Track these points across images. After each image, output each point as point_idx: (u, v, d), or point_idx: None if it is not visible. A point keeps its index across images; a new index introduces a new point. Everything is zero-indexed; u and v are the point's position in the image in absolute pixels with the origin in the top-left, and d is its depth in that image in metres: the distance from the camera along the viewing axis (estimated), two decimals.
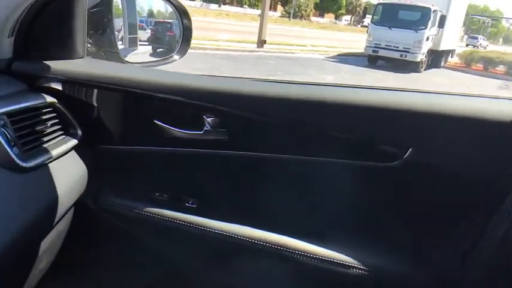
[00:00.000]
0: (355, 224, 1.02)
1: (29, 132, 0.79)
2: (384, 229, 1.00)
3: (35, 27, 0.89)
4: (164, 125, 1.01)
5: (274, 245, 1.01)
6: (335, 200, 1.00)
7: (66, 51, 0.98)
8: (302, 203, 1.03)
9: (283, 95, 0.94)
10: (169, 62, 1.27)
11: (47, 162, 0.83)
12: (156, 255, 1.11)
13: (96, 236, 1.15)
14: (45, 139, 0.85)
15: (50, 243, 0.95)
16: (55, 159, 0.85)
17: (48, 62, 0.93)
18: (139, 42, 1.72)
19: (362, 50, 14.26)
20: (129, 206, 1.07)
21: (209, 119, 0.99)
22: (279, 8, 45.94)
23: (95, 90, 1.00)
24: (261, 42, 13.36)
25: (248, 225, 1.03)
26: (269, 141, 1.01)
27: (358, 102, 0.93)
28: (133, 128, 1.07)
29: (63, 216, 0.93)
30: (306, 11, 43.88)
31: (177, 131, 1.01)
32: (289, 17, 38.58)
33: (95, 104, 1.01)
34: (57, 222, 0.91)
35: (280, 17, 40.01)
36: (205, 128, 0.99)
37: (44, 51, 0.95)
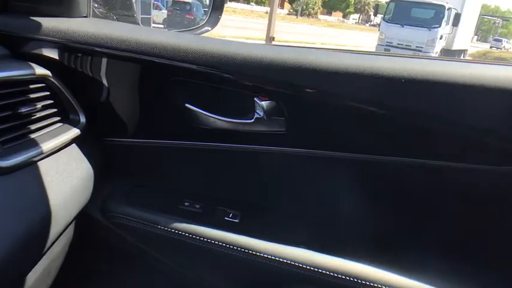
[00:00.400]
0: (464, 251, 0.79)
1: (9, 116, 0.62)
2: (500, 257, 0.77)
3: None
4: (199, 110, 0.80)
5: (351, 277, 0.76)
6: (427, 213, 0.79)
7: (65, 6, 0.78)
8: (390, 220, 0.80)
9: (380, 70, 0.68)
10: (200, 33, 1.03)
11: (36, 159, 0.64)
12: (184, 287, 0.91)
13: (104, 260, 0.95)
14: (33, 127, 0.67)
15: (40, 275, 0.76)
16: (48, 156, 0.67)
17: (38, 19, 0.74)
18: (153, 25, 1.58)
19: (372, 49, 14.21)
20: (148, 220, 0.86)
21: (263, 103, 0.77)
22: (286, 5, 46.66)
23: (105, 60, 0.78)
24: (270, 39, 13.39)
25: (311, 249, 0.80)
26: (344, 136, 0.77)
27: (474, 81, 0.67)
28: (156, 114, 0.85)
29: (60, 235, 0.73)
30: (313, 8, 44.85)
31: (218, 119, 0.80)
32: (296, 15, 39.37)
33: (104, 81, 0.79)
34: (51, 245, 0.71)
35: (288, 14, 41.14)
36: (256, 115, 0.78)
37: (33, 3, 0.76)
